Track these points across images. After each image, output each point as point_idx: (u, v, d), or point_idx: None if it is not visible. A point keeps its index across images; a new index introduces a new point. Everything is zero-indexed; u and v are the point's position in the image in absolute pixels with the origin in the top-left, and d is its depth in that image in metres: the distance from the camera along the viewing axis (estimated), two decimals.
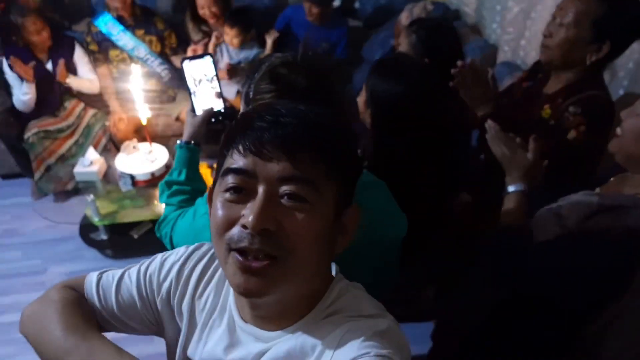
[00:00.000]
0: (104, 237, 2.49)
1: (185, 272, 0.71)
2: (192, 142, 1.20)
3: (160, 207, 2.42)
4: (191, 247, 0.73)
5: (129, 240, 2.49)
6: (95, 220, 2.36)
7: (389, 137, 1.22)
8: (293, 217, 0.54)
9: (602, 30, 1.20)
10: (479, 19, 2.51)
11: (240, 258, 0.55)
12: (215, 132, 1.29)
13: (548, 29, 1.32)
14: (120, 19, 2.63)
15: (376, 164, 1.20)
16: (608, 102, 1.27)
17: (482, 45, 2.40)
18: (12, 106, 2.56)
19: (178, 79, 2.84)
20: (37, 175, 2.61)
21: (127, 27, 2.64)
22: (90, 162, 2.39)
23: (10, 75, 2.50)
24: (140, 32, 2.68)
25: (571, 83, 1.29)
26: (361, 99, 1.25)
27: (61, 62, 2.51)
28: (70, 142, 2.69)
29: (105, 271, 0.74)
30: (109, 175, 2.50)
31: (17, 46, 2.49)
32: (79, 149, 2.67)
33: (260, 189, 0.55)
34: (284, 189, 0.55)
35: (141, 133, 2.55)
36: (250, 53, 2.68)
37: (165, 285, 0.71)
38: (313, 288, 0.61)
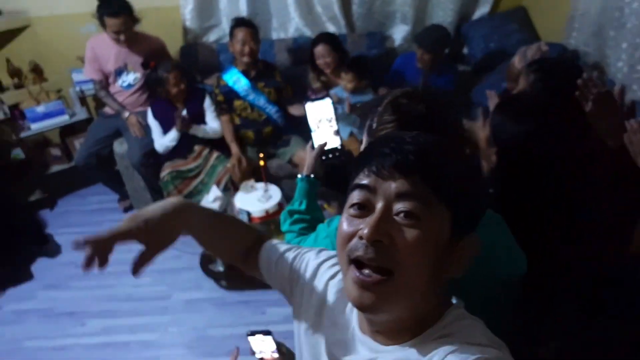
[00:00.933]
0: (220, 268, 2.69)
1: (318, 276, 0.80)
2: (312, 175, 1.30)
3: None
4: (333, 252, 0.81)
5: (241, 273, 2.65)
6: None
7: (514, 175, 1.19)
8: (404, 233, 0.59)
9: None
10: (602, 58, 2.38)
11: (357, 272, 0.61)
12: (333, 167, 1.39)
13: None
14: (244, 73, 2.94)
15: (498, 200, 1.18)
16: None
17: (608, 85, 2.26)
18: (153, 149, 2.95)
19: (291, 126, 3.07)
20: None
21: (250, 80, 2.95)
22: (214, 198, 2.64)
23: (153, 123, 2.90)
24: (261, 84, 2.97)
25: None
26: (483, 136, 1.25)
27: (179, 115, 2.80)
28: (197, 181, 3.00)
29: (280, 243, 0.88)
30: (228, 212, 2.72)
31: (160, 97, 2.90)
32: (204, 188, 2.97)
33: (379, 205, 0.60)
34: (399, 206, 0.59)
35: (258, 174, 2.76)
36: (364, 98, 2.82)
37: (307, 276, 0.80)
38: (427, 310, 0.63)
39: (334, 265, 0.80)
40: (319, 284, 0.78)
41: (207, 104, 3.00)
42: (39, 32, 3.38)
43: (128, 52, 2.97)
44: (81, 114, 3.39)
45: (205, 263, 2.75)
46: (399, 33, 3.36)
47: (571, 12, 2.59)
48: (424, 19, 3.31)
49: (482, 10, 3.28)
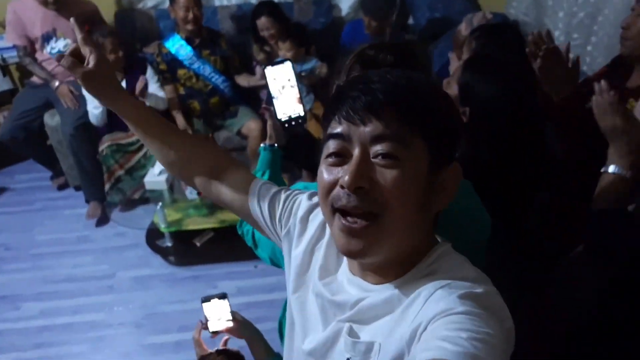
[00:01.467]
0: (169, 244, 2.59)
1: (311, 218, 0.79)
2: (275, 145, 1.24)
3: (223, 215, 2.50)
4: None
5: (191, 248, 2.58)
6: (162, 227, 2.45)
7: (481, 135, 1.16)
8: (385, 174, 0.58)
9: None
10: (540, 27, 2.47)
11: (342, 220, 0.60)
12: (296, 136, 1.33)
13: (626, 21, 1.31)
14: (188, 41, 2.79)
15: (464, 163, 1.16)
16: None
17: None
18: (88, 122, 2.75)
19: (239, 97, 2.97)
20: (107, 186, 2.77)
21: (195, 47, 2.80)
22: (160, 171, 2.51)
23: (86, 93, 2.69)
24: (206, 52, 2.83)
25: None
26: (450, 94, 1.22)
27: (141, 78, 2.68)
28: (139, 155, 2.84)
29: (266, 183, 0.84)
30: (174, 186, 2.61)
31: None
32: (147, 162, 2.82)
33: (355, 151, 0.59)
34: (376, 148, 0.58)
35: None
36: (309, 65, 2.78)
37: (299, 216, 0.78)
38: (414, 246, 0.63)
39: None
40: (312, 225, 0.77)
41: (150, 74, 2.83)
42: None
43: (56, 16, 2.72)
44: (3, 85, 3.10)
45: (152, 239, 2.63)
46: (345, 1, 3.32)
47: None
48: None
49: None
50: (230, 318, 1.15)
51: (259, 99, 2.99)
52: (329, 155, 0.62)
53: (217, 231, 2.58)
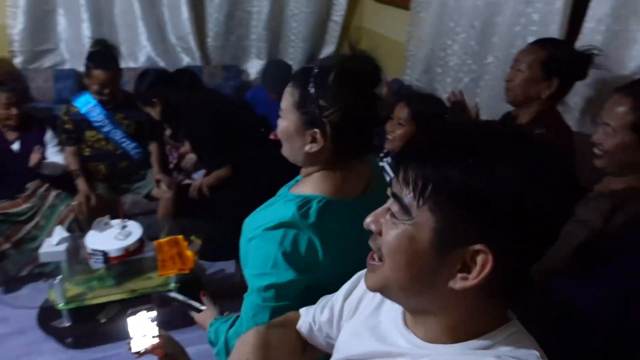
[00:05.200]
0: (67, 324, 2.27)
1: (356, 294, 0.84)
2: None
3: (134, 283, 2.29)
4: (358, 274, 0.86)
5: (94, 326, 2.28)
6: (60, 305, 2.16)
7: None
8: (386, 228, 0.62)
9: (550, 69, 1.53)
10: (432, 91, 2.79)
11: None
12: None
13: (509, 76, 1.64)
14: (101, 102, 2.59)
15: None
16: (566, 128, 1.61)
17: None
18: None
19: (149, 161, 2.81)
20: None
21: (108, 110, 2.62)
22: (58, 241, 2.24)
23: None
24: (120, 115, 2.66)
25: (533, 116, 1.59)
26: None
27: (36, 149, 2.48)
28: (29, 225, 2.54)
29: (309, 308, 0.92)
30: (74, 255, 2.34)
31: None
32: (39, 232, 2.53)
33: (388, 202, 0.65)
34: (389, 204, 0.63)
35: (111, 211, 2.45)
36: None
37: (344, 292, 0.86)
38: (460, 316, 0.61)
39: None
40: (360, 289, 0.82)
41: (49, 136, 2.64)
42: None
43: None
44: None
45: (46, 320, 2.29)
46: (253, 67, 3.46)
47: (405, 53, 3.01)
48: (277, 54, 3.47)
49: (327, 49, 3.58)
50: (157, 334, 1.06)
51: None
52: None
53: (125, 302, 2.33)
